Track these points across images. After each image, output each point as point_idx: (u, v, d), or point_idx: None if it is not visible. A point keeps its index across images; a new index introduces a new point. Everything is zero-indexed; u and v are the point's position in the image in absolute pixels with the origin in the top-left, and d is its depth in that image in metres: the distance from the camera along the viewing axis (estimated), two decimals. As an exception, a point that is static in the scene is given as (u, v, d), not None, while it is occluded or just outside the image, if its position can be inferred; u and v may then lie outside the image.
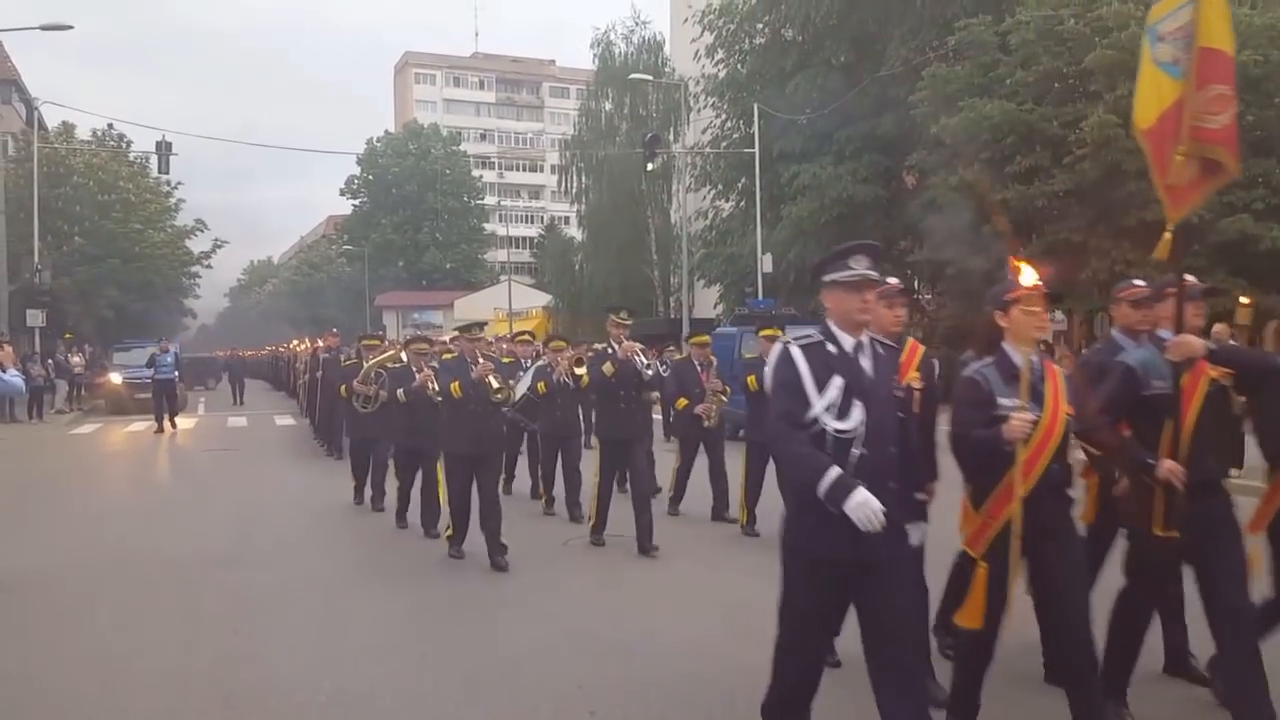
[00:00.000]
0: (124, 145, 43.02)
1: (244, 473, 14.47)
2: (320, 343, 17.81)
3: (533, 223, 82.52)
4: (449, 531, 8.07)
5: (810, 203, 29.10)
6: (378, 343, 11.15)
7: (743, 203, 35.24)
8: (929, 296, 33.75)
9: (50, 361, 27.96)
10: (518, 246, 76.71)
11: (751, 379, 8.69)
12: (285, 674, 5.36)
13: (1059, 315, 30.22)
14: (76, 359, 29.48)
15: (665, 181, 43.78)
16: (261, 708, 4.88)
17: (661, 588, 7.13)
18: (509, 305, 50.73)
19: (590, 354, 10.44)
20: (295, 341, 29.98)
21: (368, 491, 10.79)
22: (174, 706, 4.91)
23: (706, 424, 9.39)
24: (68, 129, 41.33)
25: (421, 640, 5.97)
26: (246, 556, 8.40)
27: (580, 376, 9.55)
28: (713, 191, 36.97)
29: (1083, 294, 23.42)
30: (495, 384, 7.64)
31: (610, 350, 8.62)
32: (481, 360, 7.73)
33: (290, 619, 6.51)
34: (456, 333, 14.12)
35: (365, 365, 10.45)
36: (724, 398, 9.45)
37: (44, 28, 27.51)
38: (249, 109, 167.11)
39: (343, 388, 10.70)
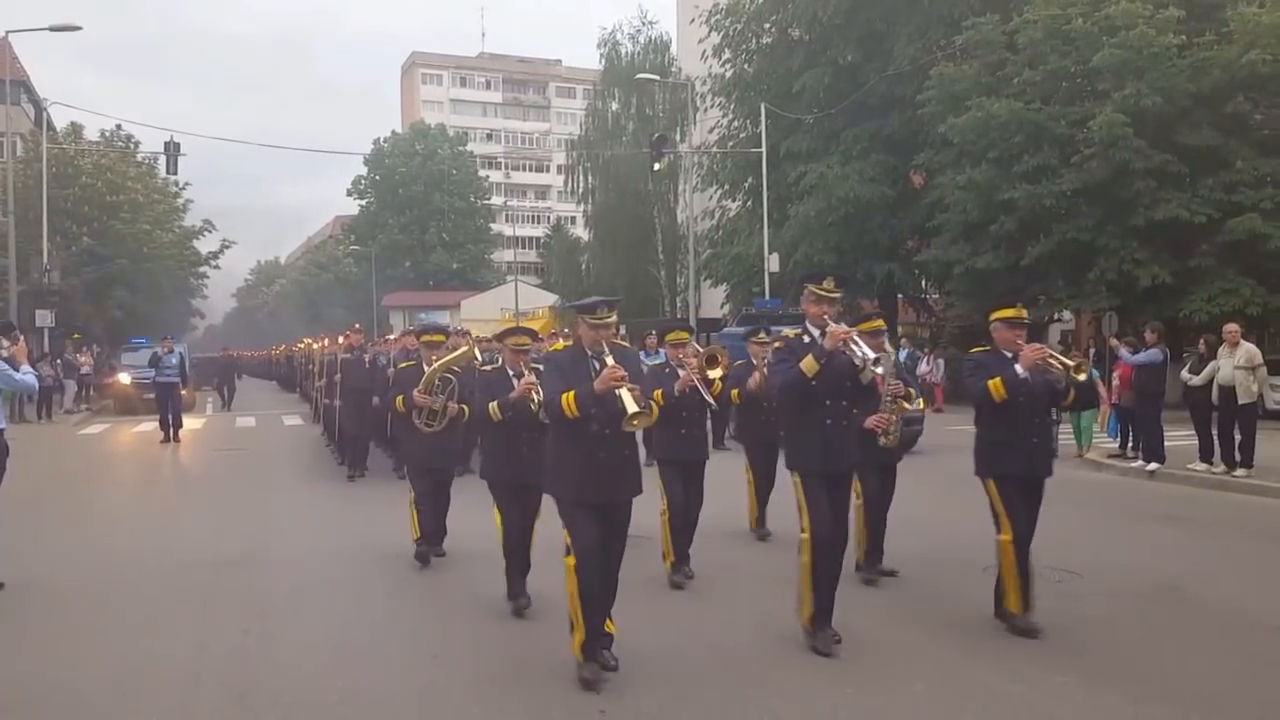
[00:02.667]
0: (132, 146, 43.14)
1: (253, 473, 14.49)
2: (340, 340, 16.04)
3: (539, 223, 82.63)
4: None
5: (817, 202, 29.10)
6: (441, 339, 8.55)
7: (749, 202, 35.24)
8: (936, 296, 33.75)
9: (59, 361, 28.05)
10: (524, 247, 76.76)
11: (735, 393, 8.30)
12: (297, 673, 5.38)
13: (1067, 315, 30.22)
14: (85, 359, 29.57)
15: (672, 181, 43.78)
16: (274, 706, 4.90)
17: (673, 588, 7.14)
18: (515, 305, 50.78)
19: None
20: (309, 340, 28.92)
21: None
22: (187, 706, 4.93)
23: (884, 441, 6.77)
24: (76, 130, 41.43)
25: (432, 640, 5.99)
26: (257, 557, 8.42)
27: (713, 382, 7.59)
28: (719, 191, 36.98)
29: (1091, 293, 23.36)
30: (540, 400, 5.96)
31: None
32: (527, 374, 6.35)
33: (302, 619, 6.53)
34: (492, 338, 12.17)
35: (428, 370, 7.98)
36: (907, 404, 7.05)
37: (53, 29, 27.60)
38: (256, 110, 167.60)
39: (399, 400, 8.07)
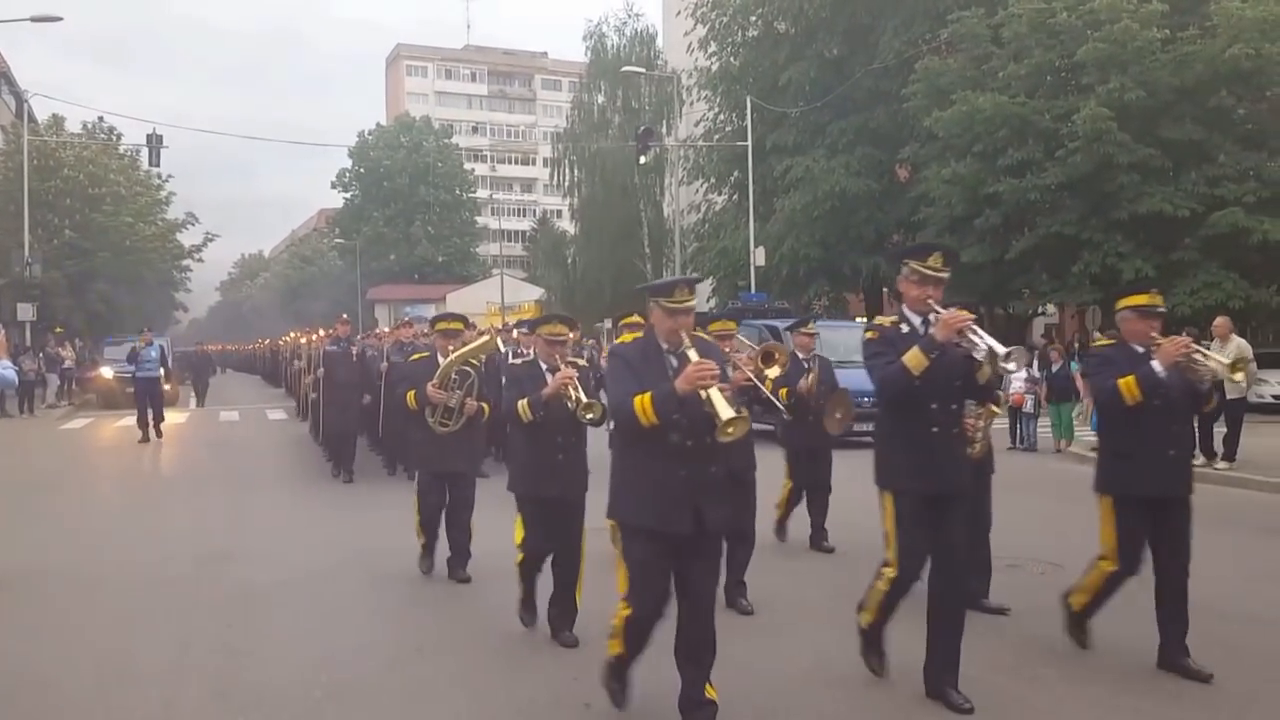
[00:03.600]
0: (114, 138, 42.83)
1: (237, 468, 14.42)
2: (321, 332, 15.24)
3: (525, 216, 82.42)
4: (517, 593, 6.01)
5: (803, 196, 29.14)
6: (459, 327, 7.49)
7: (735, 196, 35.26)
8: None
9: (41, 355, 27.86)
10: (510, 240, 76.61)
11: (784, 392, 6.59)
12: (281, 669, 5.36)
13: (1050, 308, 30.38)
14: (67, 353, 29.37)
15: (658, 174, 43.73)
16: (258, 702, 4.88)
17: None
18: (501, 299, 50.69)
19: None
20: (296, 333, 28.04)
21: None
22: (170, 702, 4.91)
23: (970, 450, 5.55)
24: (58, 121, 41.11)
25: (417, 634, 5.98)
26: (240, 552, 8.39)
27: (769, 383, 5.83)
28: (705, 185, 36.98)
29: (1074, 287, 23.47)
30: (579, 397, 5.40)
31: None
32: (564, 368, 5.55)
33: (285, 614, 6.51)
34: (519, 328, 11.35)
35: (444, 362, 7.05)
36: (996, 409, 6.29)
37: (34, 19, 27.37)
38: (240, 102, 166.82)
39: (411, 396, 7.10)
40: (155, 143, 32.27)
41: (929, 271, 4.58)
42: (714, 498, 4.19)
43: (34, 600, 6.87)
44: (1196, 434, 12.40)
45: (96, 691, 5.06)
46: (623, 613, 4.22)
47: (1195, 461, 12.25)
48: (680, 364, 4.10)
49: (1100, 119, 21.50)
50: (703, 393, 3.92)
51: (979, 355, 4.38)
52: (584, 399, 5.38)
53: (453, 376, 7.02)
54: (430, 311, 51.83)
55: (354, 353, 13.16)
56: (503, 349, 8.29)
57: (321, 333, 15.41)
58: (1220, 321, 12.54)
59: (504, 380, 6.04)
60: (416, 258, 70.85)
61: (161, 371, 18.74)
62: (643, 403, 4.00)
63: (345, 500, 11.06)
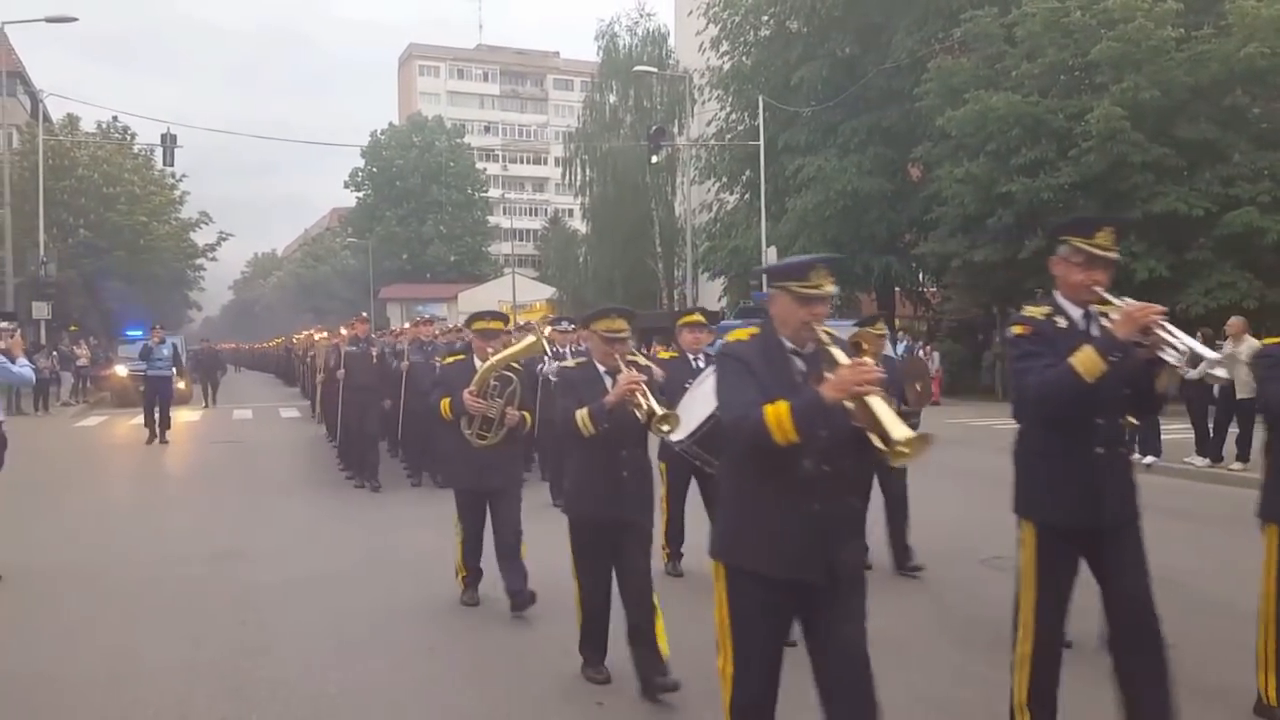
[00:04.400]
0: (128, 138, 43.06)
1: (250, 466, 14.48)
2: (343, 331, 14.13)
3: (536, 215, 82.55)
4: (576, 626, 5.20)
5: (815, 195, 29.09)
6: (499, 327, 6.61)
7: (747, 195, 35.21)
8: (933, 290, 33.75)
9: (55, 354, 28.02)
10: (521, 239, 76.71)
11: None
12: (294, 666, 5.39)
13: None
14: (81, 351, 29.54)
15: (669, 174, 43.73)
16: (271, 700, 4.90)
17: (670, 580, 7.14)
18: (513, 298, 50.75)
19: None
20: (309, 331, 27.04)
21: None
22: (184, 699, 4.93)
23: None
24: (72, 121, 41.37)
25: (429, 632, 6.00)
26: (253, 550, 8.43)
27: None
28: (717, 184, 36.94)
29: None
30: (650, 407, 4.61)
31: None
32: (625, 370, 4.76)
33: (298, 612, 6.53)
34: (567, 325, 10.95)
35: (482, 365, 6.19)
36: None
37: (49, 20, 27.51)
38: (253, 102, 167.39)
39: (445, 404, 6.25)
40: (169, 142, 32.40)
41: (1096, 251, 3.68)
42: (847, 537, 3.37)
43: (48, 597, 6.91)
44: (1232, 440, 12.31)
45: (110, 688, 5.09)
46: (728, 698, 3.38)
47: (1194, 460, 12.40)
48: (813, 366, 3.25)
49: (1114, 118, 21.41)
50: (851, 403, 3.10)
51: (1173, 359, 3.49)
52: (656, 408, 4.56)
53: (492, 383, 6.10)
54: (442, 311, 51.87)
55: (373, 353, 12.37)
56: (550, 351, 7.90)
57: (342, 332, 14.14)
58: (1234, 321, 12.48)
59: (555, 386, 5.20)
60: (429, 257, 71.04)
61: (174, 370, 18.39)
62: (778, 415, 3.04)
63: (358, 499, 11.09)
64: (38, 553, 8.16)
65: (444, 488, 10.82)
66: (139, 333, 25.18)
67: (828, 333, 3.28)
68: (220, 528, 9.47)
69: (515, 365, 6.25)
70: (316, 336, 20.39)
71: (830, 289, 3.32)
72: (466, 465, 6.25)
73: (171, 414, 17.90)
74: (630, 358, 4.92)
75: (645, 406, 4.61)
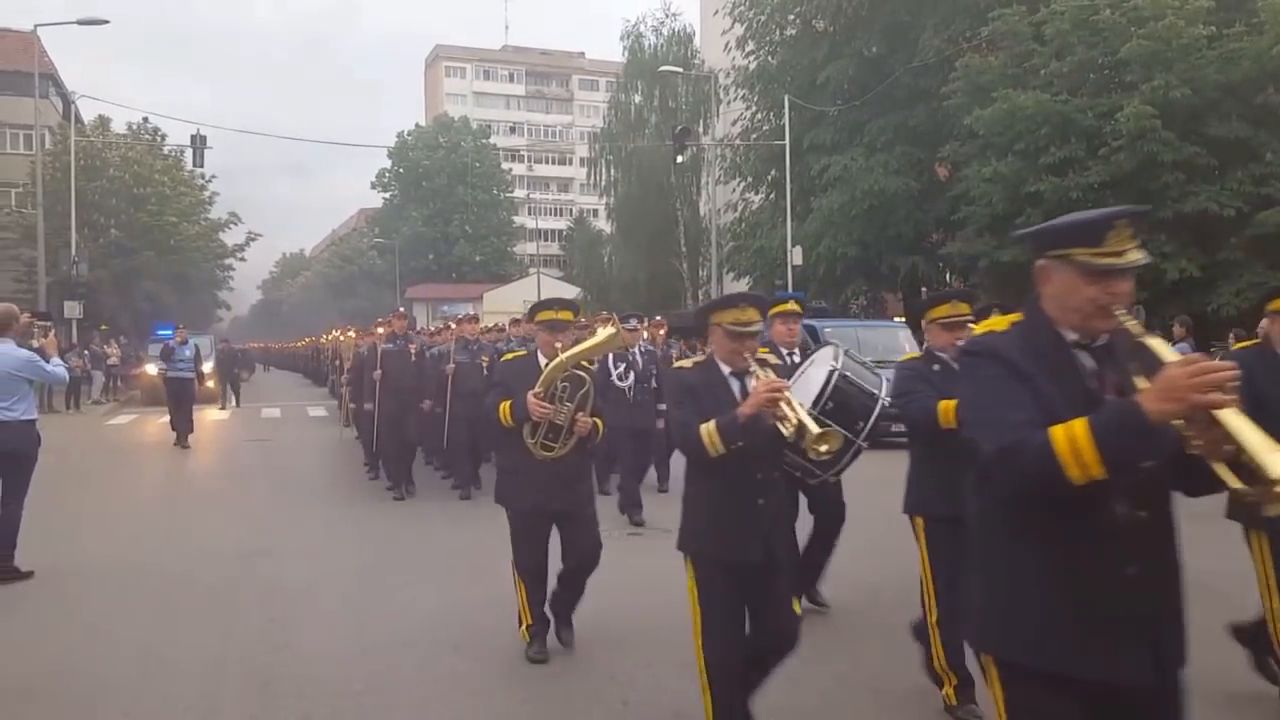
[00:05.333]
0: (159, 139, 43.48)
1: (279, 465, 14.59)
2: (379, 328, 13.06)
3: (561, 215, 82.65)
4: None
5: (841, 195, 28.97)
6: (568, 318, 5.63)
7: (772, 195, 35.11)
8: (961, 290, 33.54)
9: (87, 353, 28.35)
10: (546, 239, 76.84)
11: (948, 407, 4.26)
12: (321, 662, 5.42)
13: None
14: (112, 350, 29.87)
15: (694, 174, 43.71)
16: (298, 695, 4.94)
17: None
18: (538, 297, 50.81)
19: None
20: (338, 330, 25.83)
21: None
22: (212, 693, 4.98)
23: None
24: (104, 123, 41.81)
25: (455, 630, 6.01)
26: (281, 547, 8.49)
27: None
28: (742, 184, 36.87)
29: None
30: (801, 420, 3.66)
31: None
32: (760, 375, 3.87)
33: (325, 609, 6.57)
34: (635, 323, 10.50)
35: (549, 364, 5.28)
36: None
37: (81, 23, 27.83)
38: (282, 103, 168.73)
39: (505, 408, 5.26)
40: (199, 143, 32.70)
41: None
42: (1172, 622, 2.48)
43: (78, 594, 6.99)
44: None
45: (141, 682, 5.14)
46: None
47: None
48: (1107, 366, 2.38)
49: (1144, 117, 21.20)
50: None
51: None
52: (809, 422, 3.62)
53: (560, 384, 5.20)
54: (468, 310, 52.01)
55: (411, 351, 11.49)
56: (638, 347, 7.71)
57: (378, 330, 13.00)
58: (1267, 323, 12.33)
59: (673, 392, 4.17)
60: (454, 257, 71.34)
61: (198, 371, 17.71)
62: (1072, 439, 2.14)
63: (385, 498, 11.14)
64: (68, 550, 8.25)
65: (464, 490, 10.83)
66: (171, 332, 24.96)
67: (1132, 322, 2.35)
68: (248, 526, 9.54)
69: (586, 364, 5.38)
70: (344, 336, 19.28)
71: (1137, 257, 2.42)
72: (527, 481, 5.26)
73: (194, 417, 17.37)
74: (762, 356, 4.05)
75: (794, 419, 3.64)
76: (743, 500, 3.89)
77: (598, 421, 5.30)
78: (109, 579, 7.39)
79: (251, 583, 7.23)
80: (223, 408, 25.15)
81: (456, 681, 5.13)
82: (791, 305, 6.23)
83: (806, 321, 18.06)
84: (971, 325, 4.46)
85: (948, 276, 32.37)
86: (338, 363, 20.84)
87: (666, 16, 46.15)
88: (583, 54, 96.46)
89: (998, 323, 2.55)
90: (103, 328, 34.55)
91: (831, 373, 5.06)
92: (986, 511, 2.40)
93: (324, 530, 9.39)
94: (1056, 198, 23.07)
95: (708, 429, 3.73)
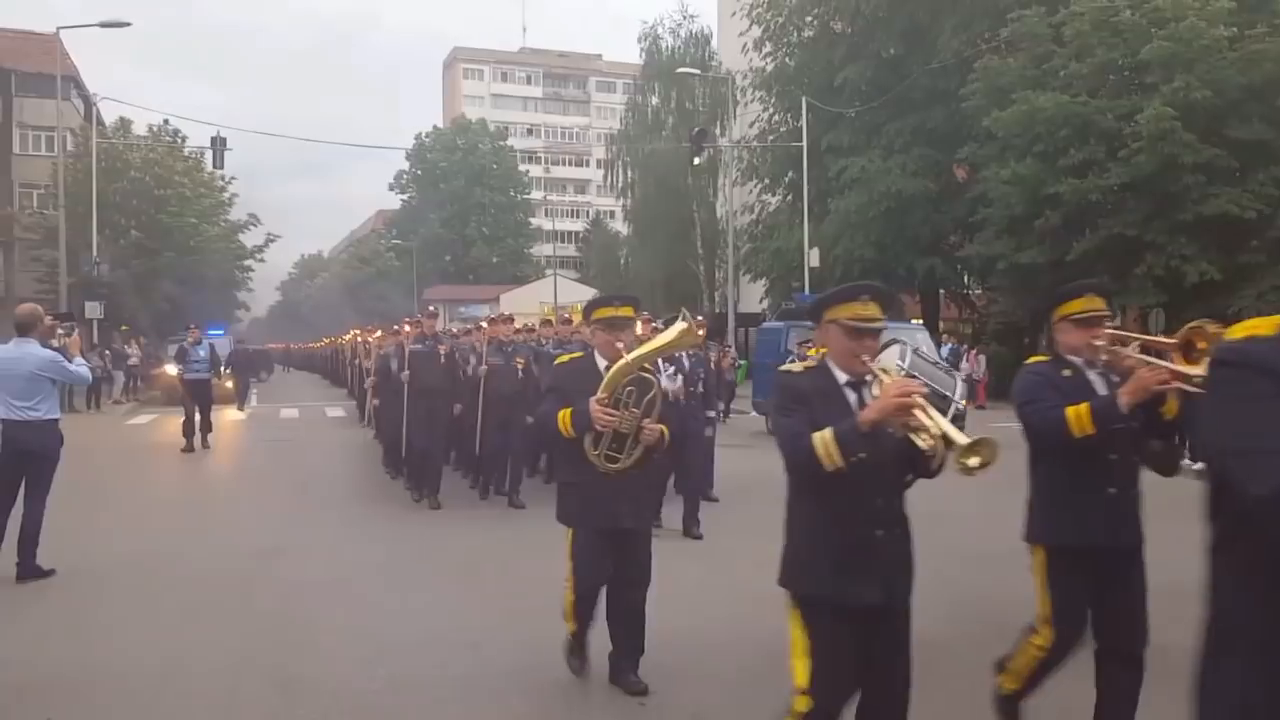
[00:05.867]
0: (179, 140, 43.76)
1: (297, 465, 14.65)
2: (406, 328, 12.22)
3: (578, 217, 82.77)
4: None
5: (858, 196, 28.94)
6: (628, 314, 5.08)
7: (789, 196, 35.11)
8: (978, 292, 33.46)
9: (107, 353, 28.56)
10: (563, 241, 76.90)
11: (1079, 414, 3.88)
12: (341, 661, 5.45)
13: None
14: (133, 350, 30.07)
15: (711, 175, 43.72)
16: (318, 694, 4.96)
17: (713, 582, 7.14)
18: (555, 299, 50.93)
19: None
20: (356, 331, 25.11)
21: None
22: (233, 692, 5.01)
23: None
24: (125, 124, 42.05)
25: (473, 630, 6.02)
26: (300, 546, 8.53)
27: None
28: (759, 185, 36.87)
29: (1137, 289, 23.02)
30: (942, 428, 3.13)
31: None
32: (884, 379, 3.33)
33: (345, 608, 6.60)
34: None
35: (612, 368, 4.75)
36: None
37: (103, 25, 28.03)
38: (301, 105, 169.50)
39: (564, 416, 4.73)
40: (219, 145, 32.89)
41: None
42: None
43: (98, 593, 7.03)
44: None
45: (161, 680, 5.18)
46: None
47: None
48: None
49: (1165, 119, 21.08)
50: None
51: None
52: (953, 431, 3.08)
53: (625, 389, 4.68)
54: (484, 312, 51.96)
55: (441, 352, 10.81)
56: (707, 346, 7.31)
57: (407, 329, 12.13)
58: None
59: (783, 398, 3.47)
60: (471, 258, 71.56)
61: (212, 372, 16.89)
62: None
63: (403, 497, 11.16)
64: (88, 548, 8.31)
65: (483, 492, 10.76)
66: (223, 331, 24.71)
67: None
68: (267, 525, 9.59)
69: (649, 366, 4.88)
70: (370, 337, 18.21)
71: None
72: (592, 498, 4.77)
73: (213, 418, 16.80)
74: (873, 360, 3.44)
75: (934, 427, 3.09)
76: (859, 531, 3.31)
77: (664, 429, 4.81)
78: (130, 578, 7.43)
79: (271, 582, 7.26)
80: (240, 408, 24.62)
81: (474, 682, 5.14)
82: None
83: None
84: (1111, 323, 4.09)
85: (965, 278, 32.30)
86: (357, 362, 20.64)
87: (684, 18, 46.27)
88: (600, 56, 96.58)
89: (1260, 325, 2.03)
90: (123, 328, 34.78)
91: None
92: (1239, 553, 1.96)
93: (343, 530, 9.42)
94: (1076, 199, 23.00)
95: (823, 438, 3.18)
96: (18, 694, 5.00)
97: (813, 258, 29.90)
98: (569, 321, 12.30)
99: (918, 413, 3.11)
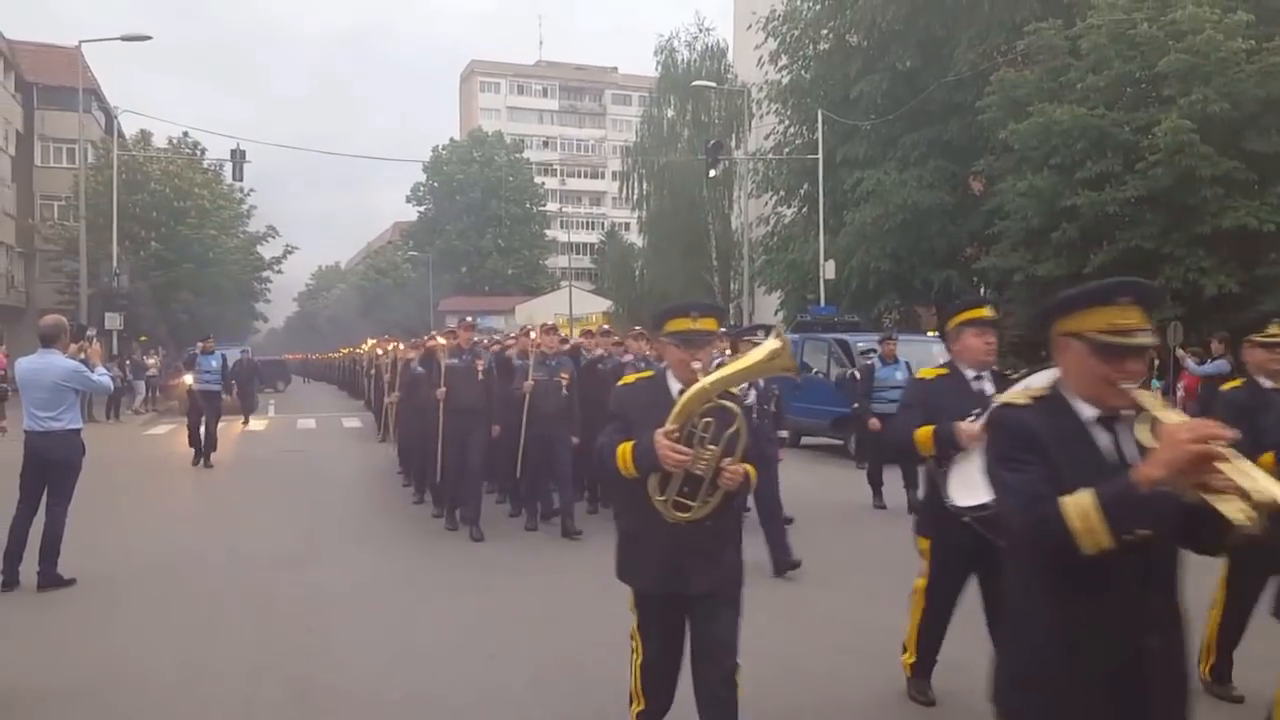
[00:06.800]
0: (199, 153, 44.13)
1: (315, 475, 14.71)
2: (440, 340, 10.67)
3: (594, 229, 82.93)
4: None
5: (874, 209, 28.90)
6: (711, 326, 3.91)
7: (805, 209, 35.09)
8: (995, 304, 33.34)
9: (127, 363, 28.75)
10: (579, 252, 77.08)
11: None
12: (358, 671, 5.48)
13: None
14: (152, 361, 30.27)
15: (726, 188, 43.75)
16: (335, 703, 4.99)
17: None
18: (570, 310, 51.05)
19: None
20: (373, 341, 24.08)
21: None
22: (251, 701, 5.04)
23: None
24: (145, 137, 42.47)
25: (489, 639, 6.05)
26: (318, 556, 8.58)
27: None
28: (775, 197, 36.85)
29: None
30: (1255, 487, 2.11)
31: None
32: (1162, 416, 2.29)
33: (361, 618, 6.64)
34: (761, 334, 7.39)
35: (685, 394, 3.69)
36: None
37: (125, 39, 28.31)
38: (319, 118, 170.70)
39: (625, 451, 3.74)
40: (238, 157, 33.13)
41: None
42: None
43: (118, 601, 7.09)
44: None
45: (180, 690, 5.22)
46: None
47: None
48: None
49: (1182, 131, 21.00)
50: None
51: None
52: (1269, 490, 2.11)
53: (701, 419, 3.68)
54: (499, 324, 51.74)
55: (479, 368, 9.75)
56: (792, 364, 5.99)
57: (441, 340, 10.59)
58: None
59: (1008, 446, 2.47)
60: (487, 270, 71.76)
61: (222, 385, 16.32)
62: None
63: (418, 506, 11.19)
64: (108, 557, 8.37)
65: (530, 523, 9.76)
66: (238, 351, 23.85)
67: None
68: (285, 535, 9.63)
69: (734, 392, 3.88)
70: (390, 347, 17.11)
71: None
72: (654, 552, 3.79)
73: (223, 430, 16.18)
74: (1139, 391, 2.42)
75: (1253, 488, 2.12)
76: (1123, 641, 2.33)
77: (750, 470, 3.74)
78: (149, 587, 7.49)
79: (289, 592, 7.30)
80: (245, 422, 23.78)
81: (491, 692, 5.16)
82: (984, 311, 4.67)
83: (837, 336, 18.14)
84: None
85: (982, 291, 32.20)
86: (373, 372, 20.34)
87: (700, 31, 46.36)
88: (616, 69, 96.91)
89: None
90: (142, 339, 35.00)
91: None
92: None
93: (360, 541, 9.45)
94: (1093, 212, 22.91)
95: (1081, 507, 2.19)
96: (38, 701, 5.05)
97: (828, 270, 29.86)
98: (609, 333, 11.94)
99: (1224, 466, 2.13)
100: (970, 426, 4.24)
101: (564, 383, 9.63)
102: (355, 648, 5.93)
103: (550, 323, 11.47)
